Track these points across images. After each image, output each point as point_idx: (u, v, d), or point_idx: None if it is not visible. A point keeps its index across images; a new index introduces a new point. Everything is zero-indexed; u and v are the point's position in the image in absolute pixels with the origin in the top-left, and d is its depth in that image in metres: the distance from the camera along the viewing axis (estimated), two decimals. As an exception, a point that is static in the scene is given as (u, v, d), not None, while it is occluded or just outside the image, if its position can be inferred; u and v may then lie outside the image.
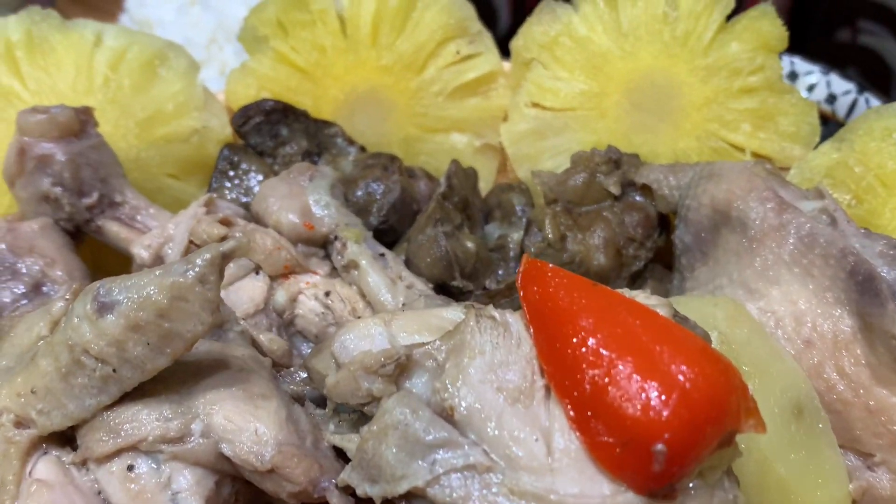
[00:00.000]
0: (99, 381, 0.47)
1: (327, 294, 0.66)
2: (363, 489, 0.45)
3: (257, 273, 0.65)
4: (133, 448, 0.48)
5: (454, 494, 0.43)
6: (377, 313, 0.62)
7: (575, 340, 0.43)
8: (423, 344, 0.47)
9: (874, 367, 0.52)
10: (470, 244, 0.70)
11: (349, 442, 0.49)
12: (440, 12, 0.83)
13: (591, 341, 0.43)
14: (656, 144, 0.79)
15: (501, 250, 0.75)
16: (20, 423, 0.50)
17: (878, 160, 0.69)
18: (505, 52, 0.85)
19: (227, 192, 0.75)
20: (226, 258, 0.47)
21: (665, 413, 0.40)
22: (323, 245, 0.68)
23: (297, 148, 0.77)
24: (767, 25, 0.76)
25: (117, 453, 0.48)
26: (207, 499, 0.48)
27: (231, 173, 0.76)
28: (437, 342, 0.47)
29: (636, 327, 0.43)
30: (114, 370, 0.47)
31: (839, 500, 0.53)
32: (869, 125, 0.70)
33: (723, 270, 0.62)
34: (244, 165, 0.76)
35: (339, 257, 0.67)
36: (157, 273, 0.46)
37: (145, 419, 0.48)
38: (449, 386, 0.45)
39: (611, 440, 0.41)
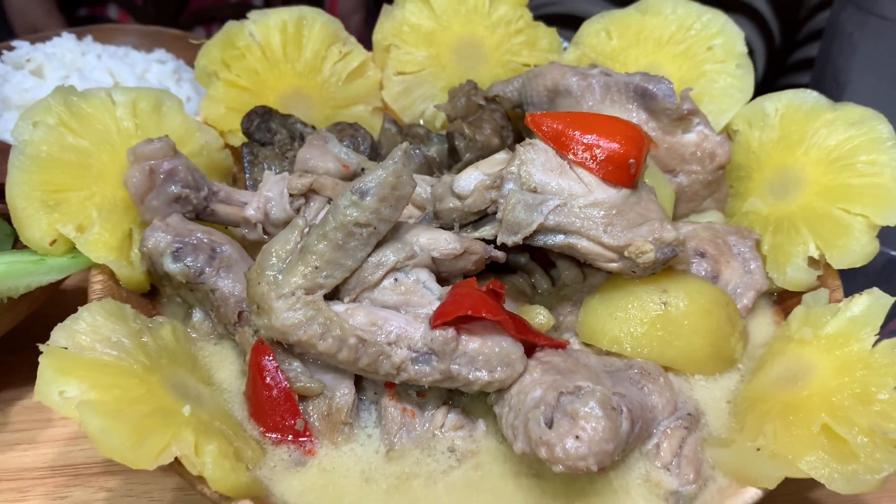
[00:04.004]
0: (366, 239, 0.83)
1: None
2: (511, 240, 0.89)
3: (330, 202, 1.02)
4: (392, 269, 0.85)
5: (557, 220, 0.89)
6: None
7: (576, 136, 0.92)
8: (502, 169, 0.92)
9: (662, 127, 1.10)
10: (430, 152, 1.14)
11: (484, 232, 0.91)
12: (321, 28, 1.22)
13: (584, 135, 0.92)
14: (482, 77, 1.28)
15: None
16: (309, 292, 0.83)
17: (599, 48, 1.28)
18: (366, 45, 1.28)
19: (254, 172, 1.08)
20: (406, 153, 0.86)
21: (629, 147, 0.91)
22: (352, 177, 1.06)
23: (282, 135, 1.13)
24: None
25: (385, 276, 0.84)
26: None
27: (254, 160, 1.09)
28: (510, 166, 0.92)
29: (601, 122, 0.93)
30: (374, 228, 0.83)
31: (670, 195, 1.10)
32: (590, 27, 1.28)
33: (568, 117, 1.15)
34: (260, 154, 1.09)
35: (369, 179, 1.06)
36: (381, 168, 0.83)
37: (391, 253, 0.85)
38: (529, 177, 0.91)
39: (610, 168, 0.91)
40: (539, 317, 0.91)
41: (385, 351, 0.81)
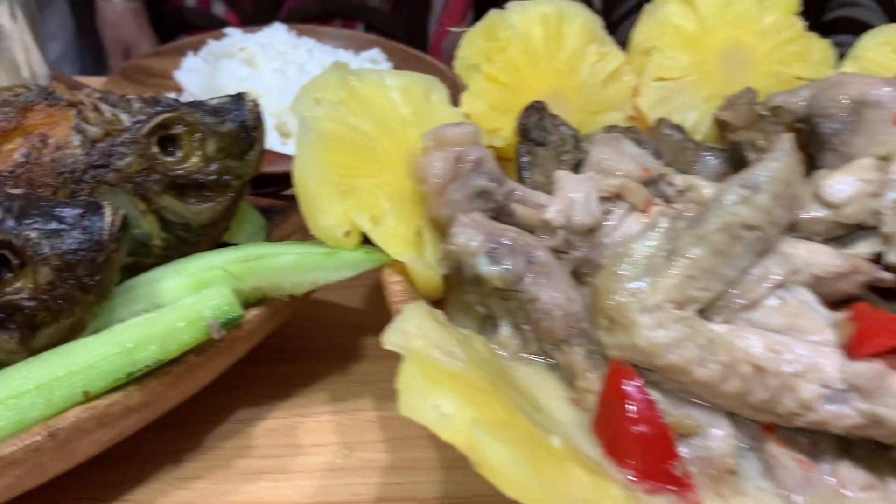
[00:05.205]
0: (752, 245, 0.68)
1: (673, 215, 0.90)
2: None
3: (635, 210, 0.88)
4: (778, 285, 0.70)
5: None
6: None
7: None
8: (885, 175, 0.77)
9: None
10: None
11: (860, 248, 0.76)
12: (582, 25, 1.10)
13: None
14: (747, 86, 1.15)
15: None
16: (679, 306, 0.68)
17: (880, 62, 1.14)
18: (622, 48, 1.15)
19: (534, 174, 0.94)
20: (793, 143, 0.72)
21: None
22: (649, 183, 0.92)
23: (555, 136, 0.99)
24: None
25: (768, 293, 0.69)
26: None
27: (533, 161, 0.95)
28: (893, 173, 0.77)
29: None
30: (763, 231, 0.68)
31: None
32: (871, 41, 1.14)
33: (879, 130, 1.00)
34: (539, 155, 0.95)
35: (670, 187, 0.91)
36: (772, 160, 0.69)
37: (774, 266, 0.70)
38: None
39: None
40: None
41: (789, 384, 0.65)
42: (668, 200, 0.91)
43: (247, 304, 0.76)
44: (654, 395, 0.69)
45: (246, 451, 0.85)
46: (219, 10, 2.53)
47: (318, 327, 1.00)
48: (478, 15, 2.94)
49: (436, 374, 0.59)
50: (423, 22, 2.87)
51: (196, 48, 1.43)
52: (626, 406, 0.67)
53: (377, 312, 1.03)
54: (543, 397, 0.75)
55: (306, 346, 0.97)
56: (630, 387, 0.67)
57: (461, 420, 0.55)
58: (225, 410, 0.89)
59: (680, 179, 0.91)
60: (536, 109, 0.97)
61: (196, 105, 0.78)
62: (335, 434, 0.87)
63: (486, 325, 0.81)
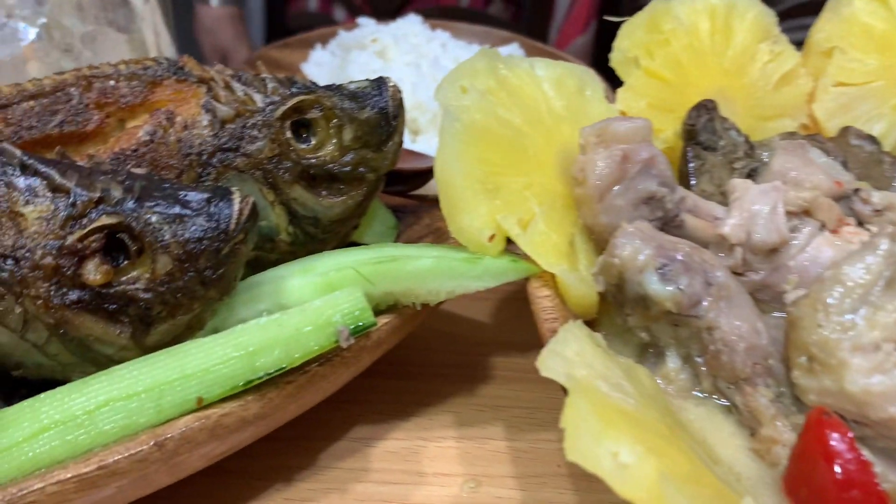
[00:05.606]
0: None
1: (869, 238, 0.76)
2: None
3: (824, 229, 0.75)
4: None
5: None
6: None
7: None
8: None
9: None
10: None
11: None
12: (754, 20, 0.97)
13: None
14: (945, 96, 0.99)
15: None
16: (903, 347, 0.56)
17: None
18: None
19: (702, 182, 0.83)
20: None
21: None
22: (840, 199, 0.79)
23: (726, 141, 0.87)
24: None
25: None
26: None
27: (701, 167, 0.83)
28: None
29: None
30: None
31: None
32: None
33: None
34: (708, 161, 0.84)
35: (865, 205, 0.78)
36: None
37: None
38: None
39: None
40: None
41: None
42: (860, 220, 0.78)
43: (376, 311, 0.67)
44: (866, 453, 0.56)
45: (363, 474, 0.76)
46: (339, 15, 2.51)
47: (443, 340, 0.91)
48: (601, 23, 2.81)
49: (608, 412, 0.48)
50: (543, 30, 2.77)
51: (324, 40, 1.38)
52: (833, 466, 0.54)
53: (508, 328, 0.93)
54: (718, 445, 0.63)
55: (430, 361, 0.88)
56: (838, 442, 0.55)
57: (644, 473, 0.44)
58: (342, 426, 0.81)
59: (878, 197, 0.77)
60: (707, 109, 0.86)
61: (333, 88, 0.71)
62: (461, 463, 0.77)
63: (647, 353, 0.70)
